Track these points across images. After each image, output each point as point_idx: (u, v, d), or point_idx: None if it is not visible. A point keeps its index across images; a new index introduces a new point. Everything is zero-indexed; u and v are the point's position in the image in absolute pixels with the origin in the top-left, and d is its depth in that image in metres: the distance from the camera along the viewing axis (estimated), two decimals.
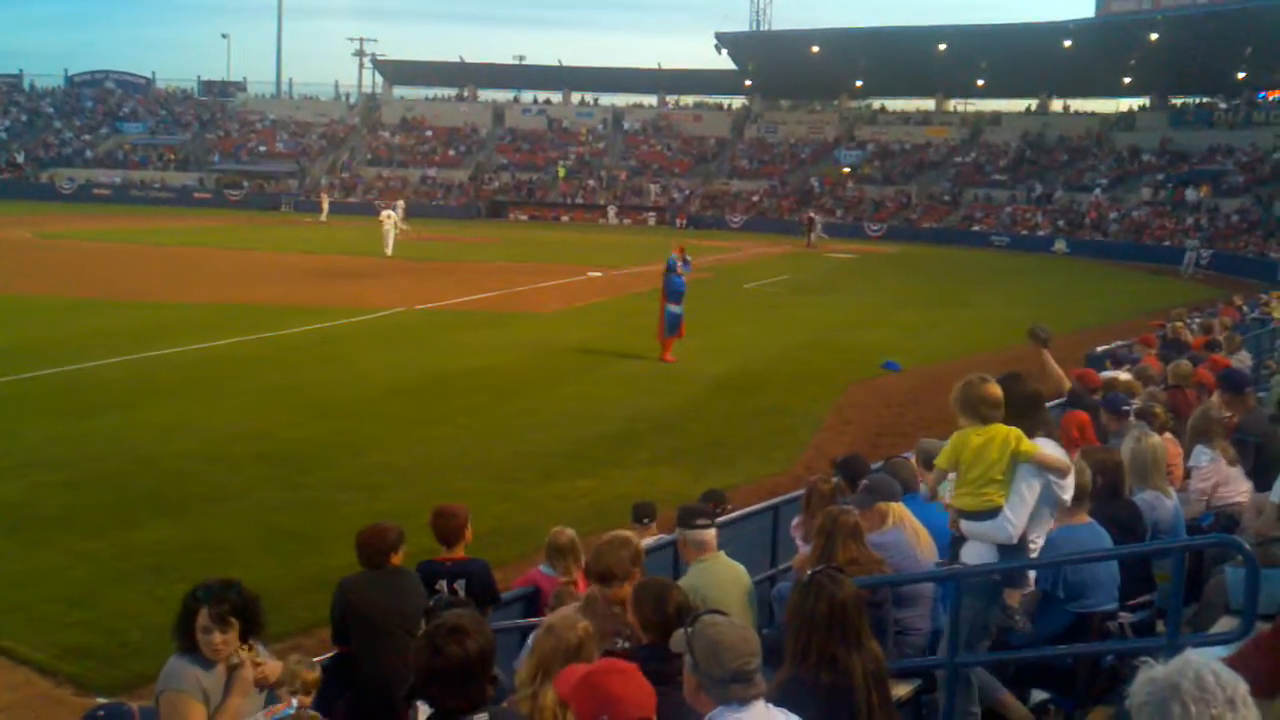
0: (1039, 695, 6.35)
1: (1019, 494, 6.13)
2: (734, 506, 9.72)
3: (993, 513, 6.14)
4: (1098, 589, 6.38)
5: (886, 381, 22.74)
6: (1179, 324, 17.77)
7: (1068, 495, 6.29)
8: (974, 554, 6.23)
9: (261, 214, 70.74)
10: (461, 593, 7.02)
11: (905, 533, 6.76)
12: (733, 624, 3.92)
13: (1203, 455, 8.39)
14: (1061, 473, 6.24)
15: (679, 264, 24.26)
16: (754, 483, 14.69)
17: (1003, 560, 6.21)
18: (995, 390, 6.21)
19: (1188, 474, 8.79)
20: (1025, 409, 6.39)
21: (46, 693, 8.98)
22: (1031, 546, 6.28)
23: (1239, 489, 8.32)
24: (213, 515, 13.19)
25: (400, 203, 59.53)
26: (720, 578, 6.49)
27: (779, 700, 3.93)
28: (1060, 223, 65.48)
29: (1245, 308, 24.36)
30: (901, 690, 6.02)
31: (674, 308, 23.84)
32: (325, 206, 67.23)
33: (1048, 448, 6.28)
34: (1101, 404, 10.33)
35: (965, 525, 6.29)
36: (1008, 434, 6.16)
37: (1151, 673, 2.67)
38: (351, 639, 6.83)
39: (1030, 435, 6.23)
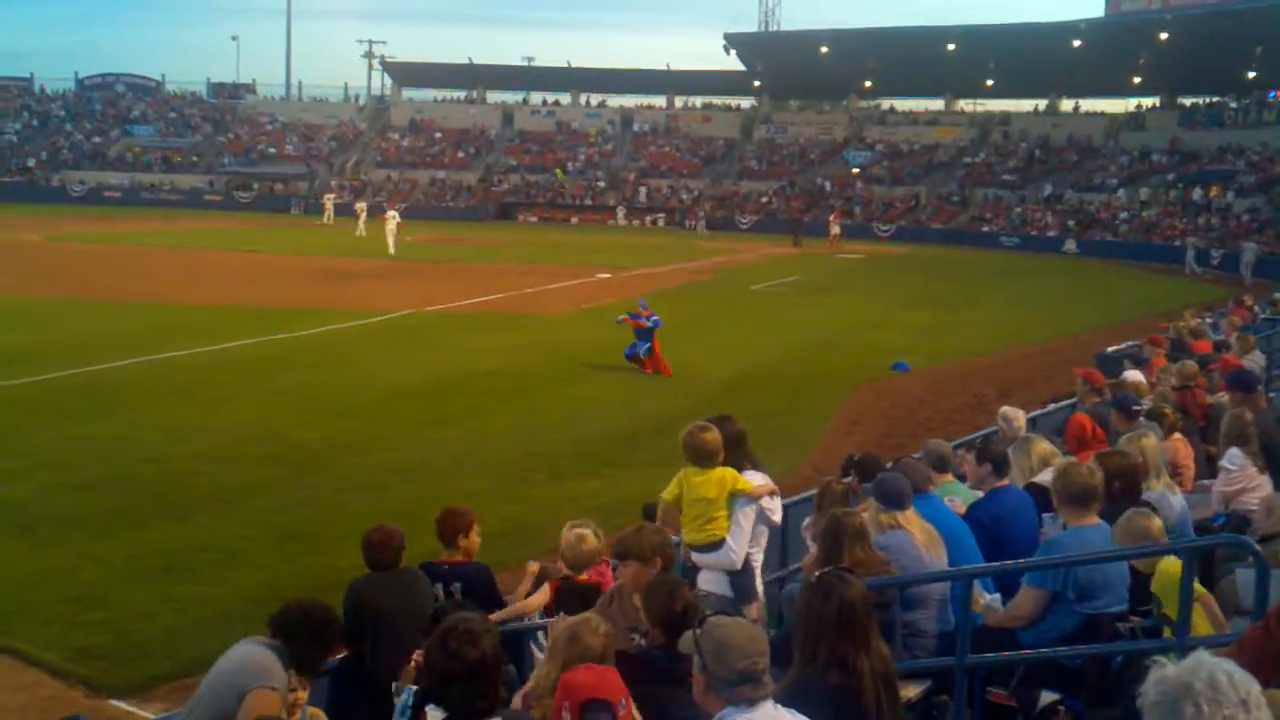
0: (1048, 696, 6.34)
1: (738, 525, 6.95)
2: None
3: (717, 544, 6.91)
4: (1107, 590, 6.36)
5: (896, 382, 22.71)
6: (1182, 325, 17.69)
7: (776, 516, 7.14)
8: (708, 581, 6.92)
9: (272, 216, 70.83)
10: (458, 595, 7.02)
11: (910, 534, 6.75)
12: (740, 624, 3.92)
13: (1235, 458, 8.34)
14: (771, 495, 7.09)
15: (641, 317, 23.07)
16: None
17: (734, 581, 6.98)
18: (712, 438, 7.08)
19: (1206, 473, 8.77)
20: (732, 446, 7.23)
21: (58, 694, 9.00)
22: (754, 564, 7.06)
23: (1264, 495, 8.27)
24: (222, 516, 13.22)
25: (363, 204, 59.65)
26: None
27: (788, 701, 3.93)
28: (1070, 223, 65.32)
29: (1256, 308, 24.24)
30: (911, 692, 6.01)
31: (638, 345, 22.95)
32: (329, 209, 67.30)
33: (755, 478, 7.17)
34: (1111, 405, 10.30)
35: (696, 557, 7.02)
36: (724, 474, 7.03)
37: (1163, 672, 2.65)
38: (363, 640, 6.84)
39: (740, 468, 7.13)
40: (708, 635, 3.81)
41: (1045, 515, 7.46)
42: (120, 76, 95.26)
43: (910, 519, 6.81)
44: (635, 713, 4.00)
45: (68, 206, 71.42)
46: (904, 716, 4.93)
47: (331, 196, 70.00)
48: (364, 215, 56.93)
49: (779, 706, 3.79)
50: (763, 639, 3.84)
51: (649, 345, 22.83)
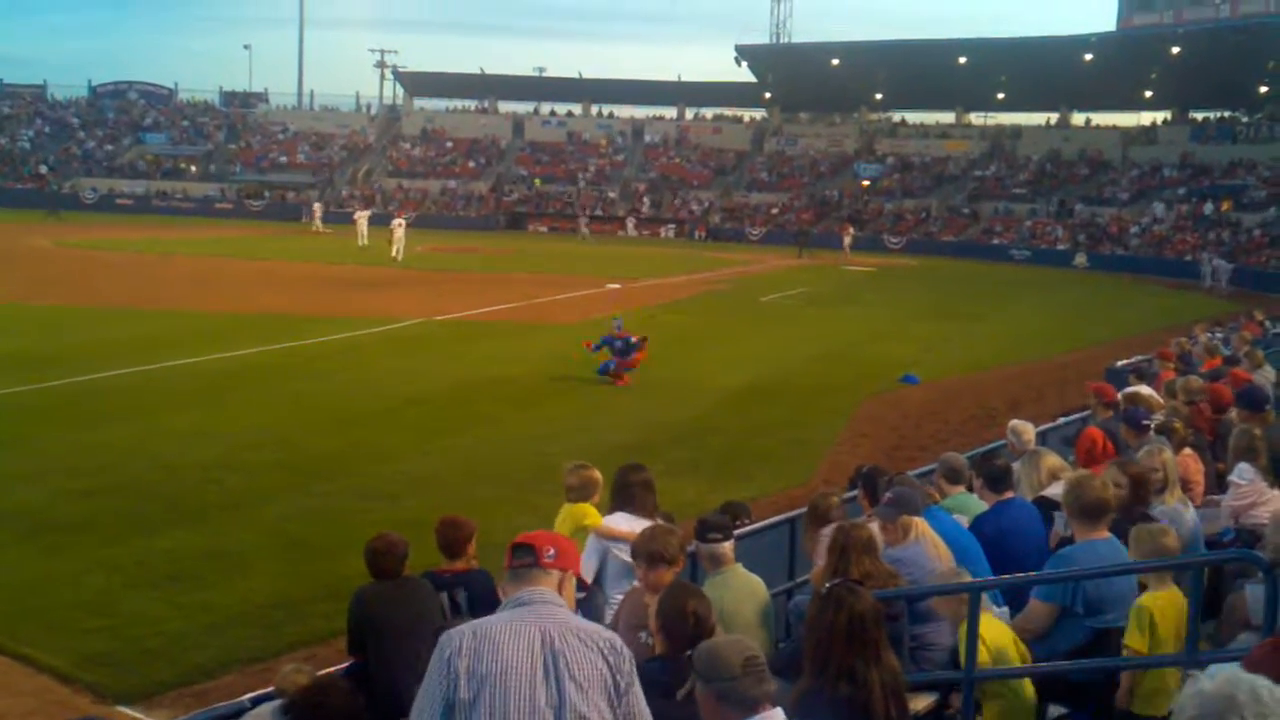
0: (1056, 710, 6.32)
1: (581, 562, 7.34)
2: (750, 520, 9.69)
3: None
4: (1117, 604, 6.34)
5: (904, 395, 22.67)
6: (1185, 340, 17.66)
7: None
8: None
9: (283, 224, 70.96)
10: (463, 603, 7.03)
11: (926, 547, 6.75)
12: (723, 635, 3.97)
13: (1245, 473, 8.32)
14: (624, 542, 7.21)
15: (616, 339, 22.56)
16: (771, 495, 14.66)
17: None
18: (578, 478, 8.03)
19: (1216, 489, 8.74)
20: (617, 489, 7.86)
21: (65, 699, 9.00)
22: (603, 603, 7.23)
23: (1274, 510, 8.23)
24: (232, 523, 13.23)
25: (364, 213, 59.41)
26: (736, 591, 6.48)
27: (797, 712, 3.91)
28: (1081, 236, 65.24)
29: (1267, 323, 24.18)
30: (920, 704, 6.00)
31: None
32: (318, 216, 67.83)
33: (620, 523, 7.56)
34: (1121, 419, 10.28)
35: None
36: (576, 510, 7.88)
37: (1201, 686, 2.59)
38: (366, 648, 6.85)
39: (614, 509, 7.72)
40: (700, 655, 3.84)
41: (1056, 513, 7.44)
42: (133, 84, 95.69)
43: (925, 532, 6.81)
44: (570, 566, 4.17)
45: (80, 213, 71.69)
46: None
47: (320, 206, 70.45)
48: (364, 224, 56.68)
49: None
50: (749, 642, 3.87)
51: (629, 355, 22.53)
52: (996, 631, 6.00)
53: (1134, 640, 5.77)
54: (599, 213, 78.63)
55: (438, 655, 3.83)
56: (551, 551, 4.02)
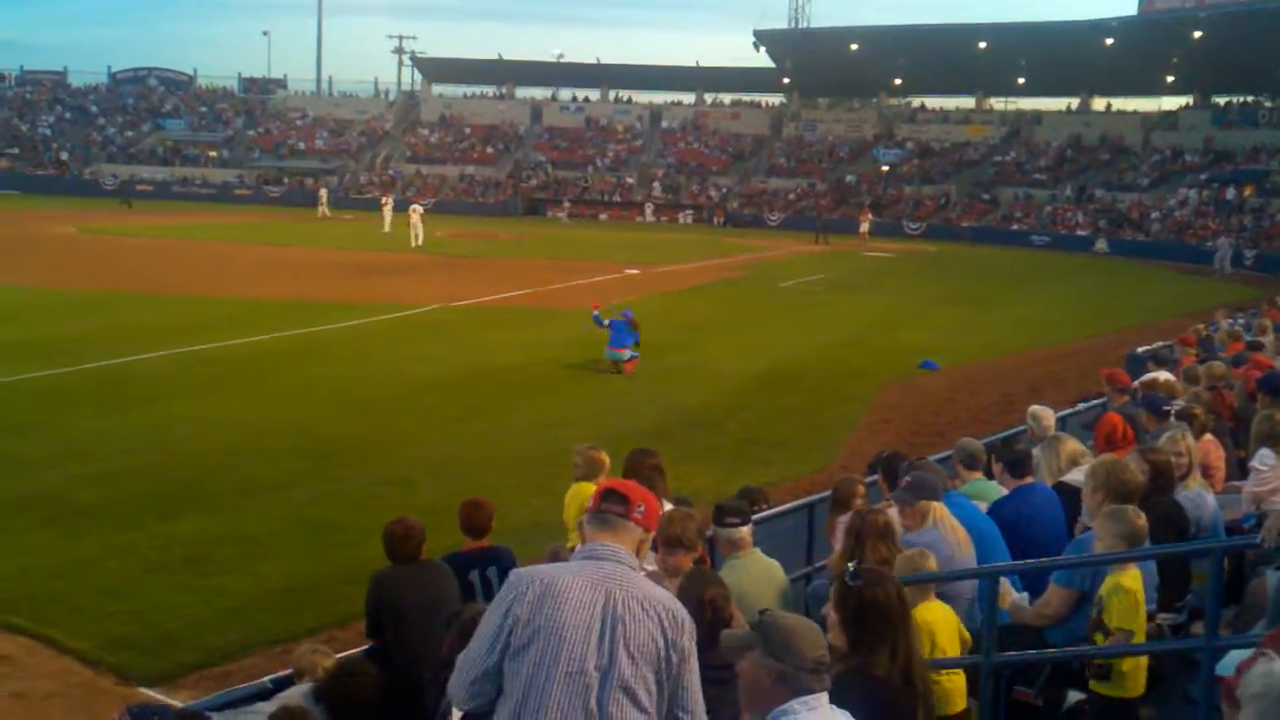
0: (1075, 695, 6.30)
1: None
2: (767, 505, 9.68)
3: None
4: None
5: (923, 381, 22.61)
6: (1201, 327, 17.56)
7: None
8: None
9: (301, 210, 71.07)
10: (495, 579, 7.06)
11: (944, 532, 6.72)
12: (799, 617, 3.92)
13: (1266, 459, 8.27)
14: None
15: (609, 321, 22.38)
16: (790, 481, 14.65)
17: None
18: (584, 458, 8.81)
19: (1238, 474, 8.69)
20: (627, 474, 7.89)
21: (88, 682, 9.09)
22: None
23: None
24: (249, 508, 13.30)
25: (388, 199, 59.37)
26: (754, 575, 6.48)
27: (838, 691, 3.87)
28: (1101, 222, 64.85)
29: None
30: None
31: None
32: (324, 202, 68.13)
33: None
34: (1141, 405, 10.23)
35: None
36: (582, 490, 8.12)
37: (1272, 667, 2.60)
38: (385, 632, 6.87)
39: None
40: (774, 628, 3.75)
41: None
42: (152, 71, 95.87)
43: (943, 517, 6.79)
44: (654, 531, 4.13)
45: (100, 199, 71.92)
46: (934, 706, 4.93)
47: (326, 192, 70.78)
48: (389, 210, 56.78)
49: (835, 707, 3.75)
50: (822, 636, 3.82)
51: (636, 339, 22.35)
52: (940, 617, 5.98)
53: (1128, 621, 5.71)
54: (617, 198, 78.63)
55: (502, 597, 3.82)
56: (642, 508, 3.98)
